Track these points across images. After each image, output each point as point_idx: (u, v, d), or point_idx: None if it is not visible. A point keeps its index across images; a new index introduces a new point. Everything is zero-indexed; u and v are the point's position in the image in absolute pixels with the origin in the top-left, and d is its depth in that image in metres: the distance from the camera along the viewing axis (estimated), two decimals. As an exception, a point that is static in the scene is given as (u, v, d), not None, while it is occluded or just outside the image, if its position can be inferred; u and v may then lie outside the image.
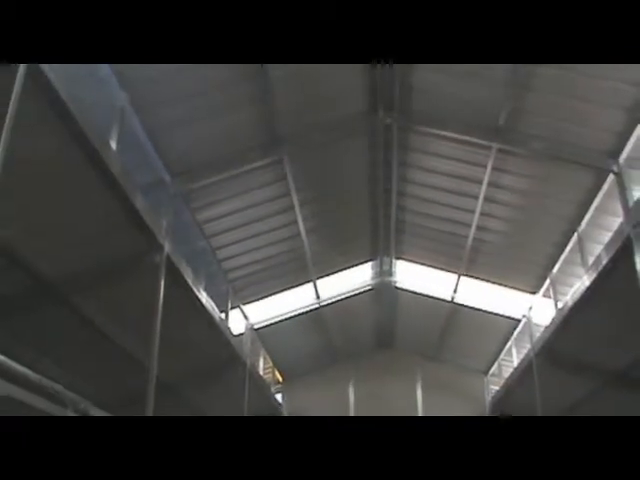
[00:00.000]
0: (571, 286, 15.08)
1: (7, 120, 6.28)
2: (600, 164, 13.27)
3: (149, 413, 10.19)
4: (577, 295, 13.44)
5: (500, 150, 14.60)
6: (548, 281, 17.40)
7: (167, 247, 11.59)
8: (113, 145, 9.87)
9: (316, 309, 21.53)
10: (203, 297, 14.09)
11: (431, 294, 21.40)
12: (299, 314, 21.57)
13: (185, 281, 12.95)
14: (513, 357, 21.22)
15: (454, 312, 21.39)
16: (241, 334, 19.55)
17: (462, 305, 21.05)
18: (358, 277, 21.76)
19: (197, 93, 12.51)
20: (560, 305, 15.52)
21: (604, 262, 11.78)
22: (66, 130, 7.96)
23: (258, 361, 22.07)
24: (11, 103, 6.40)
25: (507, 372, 21.90)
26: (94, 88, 10.55)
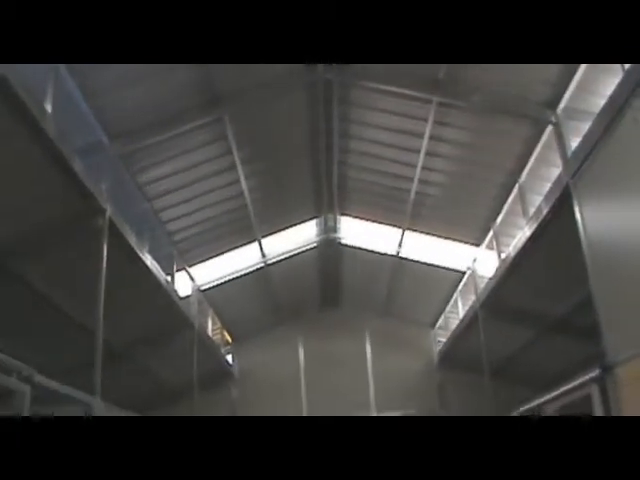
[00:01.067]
0: (513, 237, 15.31)
1: None
2: (538, 115, 13.42)
3: (97, 379, 10.12)
4: (519, 245, 13.68)
5: (440, 103, 14.62)
6: (491, 233, 17.62)
7: (109, 210, 11.41)
8: (48, 108, 9.62)
9: (262, 268, 21.55)
10: (148, 260, 13.97)
11: (376, 249, 21.53)
12: (246, 274, 21.57)
13: (129, 244, 12.80)
14: (459, 309, 21.52)
15: (399, 267, 21.61)
16: (188, 296, 19.45)
17: (407, 259, 21.24)
18: (303, 235, 21.79)
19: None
20: (503, 256, 15.78)
21: (544, 212, 11.98)
22: (-2, 93, 7.75)
23: (207, 323, 22.01)
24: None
25: (453, 324, 22.24)
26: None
